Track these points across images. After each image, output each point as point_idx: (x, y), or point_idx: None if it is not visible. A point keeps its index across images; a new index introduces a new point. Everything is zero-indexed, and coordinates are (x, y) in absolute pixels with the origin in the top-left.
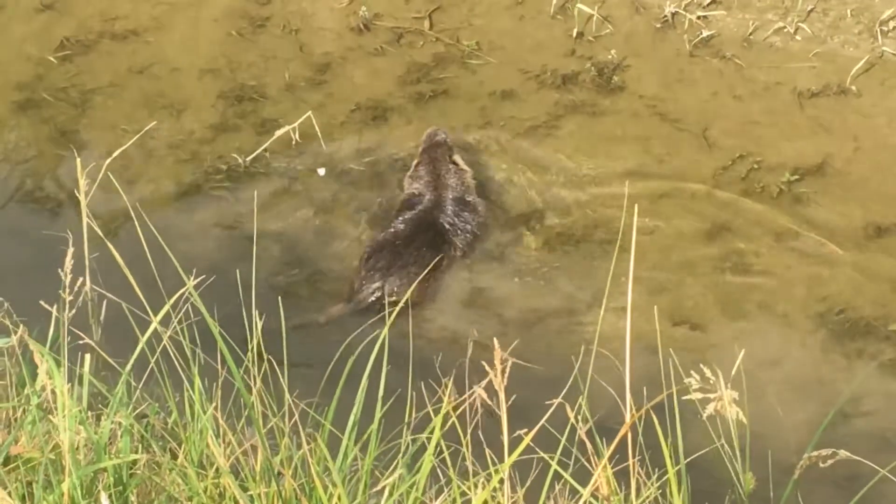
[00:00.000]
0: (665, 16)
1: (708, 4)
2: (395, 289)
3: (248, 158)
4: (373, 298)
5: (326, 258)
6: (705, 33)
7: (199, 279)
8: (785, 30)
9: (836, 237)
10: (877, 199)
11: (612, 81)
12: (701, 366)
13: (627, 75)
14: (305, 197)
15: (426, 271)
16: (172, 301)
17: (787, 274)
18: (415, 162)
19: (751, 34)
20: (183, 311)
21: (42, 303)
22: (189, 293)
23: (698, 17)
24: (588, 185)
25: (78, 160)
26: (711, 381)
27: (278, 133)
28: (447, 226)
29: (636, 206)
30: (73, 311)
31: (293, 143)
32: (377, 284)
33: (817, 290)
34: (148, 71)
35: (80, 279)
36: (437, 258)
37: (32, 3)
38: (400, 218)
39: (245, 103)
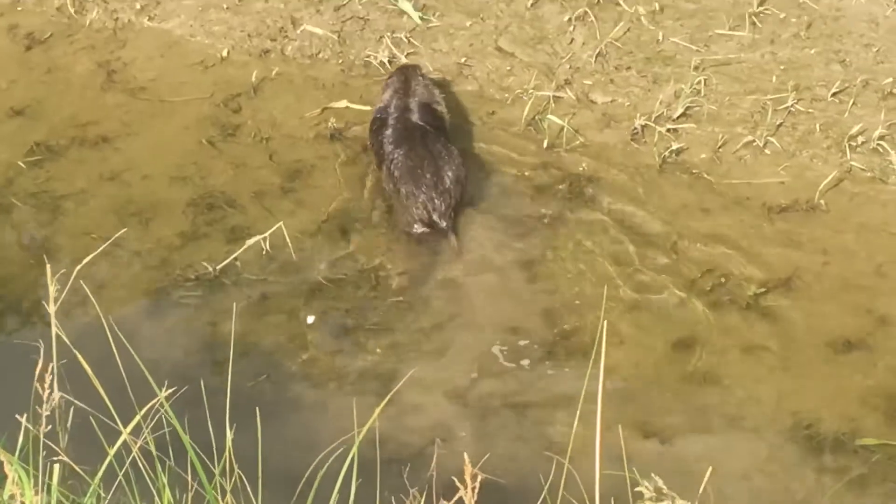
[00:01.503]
0: (635, 129)
1: (677, 118)
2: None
3: (218, 267)
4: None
5: (296, 365)
6: (675, 146)
7: (170, 390)
8: (754, 144)
9: (806, 351)
10: (845, 313)
11: (584, 193)
12: (653, 475)
13: (598, 187)
14: (275, 306)
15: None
16: (143, 412)
17: (756, 388)
18: (387, 77)
19: (720, 148)
20: (154, 420)
21: (17, 417)
22: (161, 403)
23: (668, 130)
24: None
25: (48, 266)
26: (665, 492)
27: (249, 243)
28: (422, 122)
29: (604, 319)
30: (47, 425)
31: (263, 252)
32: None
33: (786, 404)
34: (118, 177)
35: (48, 389)
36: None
37: (3, 108)
38: (385, 141)
39: (215, 211)
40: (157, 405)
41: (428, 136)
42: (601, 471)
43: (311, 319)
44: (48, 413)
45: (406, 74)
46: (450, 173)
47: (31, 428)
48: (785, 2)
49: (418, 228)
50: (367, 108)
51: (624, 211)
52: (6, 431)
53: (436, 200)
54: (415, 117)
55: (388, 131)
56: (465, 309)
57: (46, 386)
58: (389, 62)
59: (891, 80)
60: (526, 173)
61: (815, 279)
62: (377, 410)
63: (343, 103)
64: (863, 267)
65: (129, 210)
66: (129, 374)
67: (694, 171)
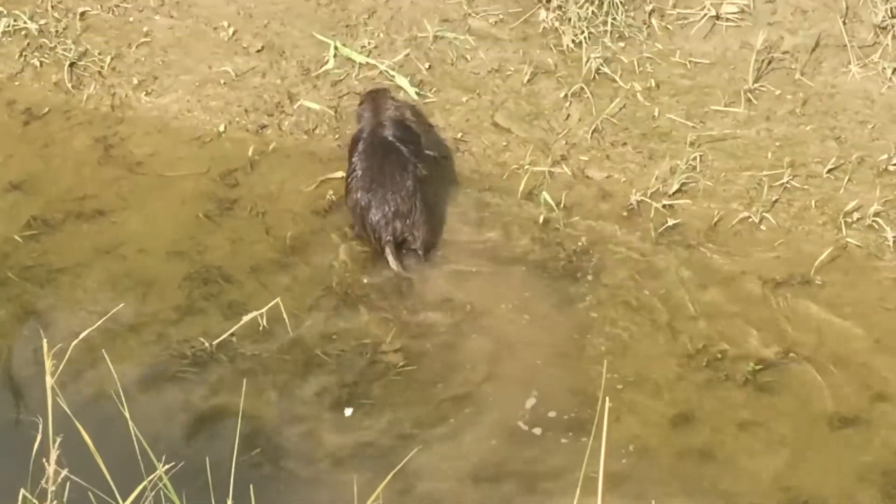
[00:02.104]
0: (631, 204)
1: (673, 193)
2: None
3: (215, 342)
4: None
5: (291, 439)
6: (671, 221)
7: (169, 465)
8: (750, 219)
9: (802, 427)
10: (842, 389)
11: (580, 268)
12: None
13: (594, 262)
14: (271, 382)
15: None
16: (140, 488)
17: (753, 463)
18: (359, 104)
19: (716, 223)
20: (152, 495)
21: (26, 493)
22: (159, 477)
23: (664, 206)
24: None
25: (44, 340)
26: None
27: (245, 318)
28: (392, 139)
29: (604, 394)
30: (49, 501)
31: (260, 327)
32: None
33: (783, 480)
34: (115, 251)
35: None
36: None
37: (0, 181)
38: (355, 153)
39: (211, 285)
40: (155, 479)
41: (391, 154)
42: None
43: (349, 412)
44: (53, 489)
45: (376, 97)
46: (396, 198)
47: (35, 501)
48: (780, 78)
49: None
50: None
51: (620, 286)
52: None
53: (376, 218)
54: (387, 133)
55: (361, 146)
56: (463, 385)
57: (52, 461)
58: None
59: (886, 156)
60: (523, 248)
61: (811, 355)
62: (380, 487)
63: (339, 174)
64: (859, 343)
65: (126, 284)
66: (126, 448)
67: (690, 246)
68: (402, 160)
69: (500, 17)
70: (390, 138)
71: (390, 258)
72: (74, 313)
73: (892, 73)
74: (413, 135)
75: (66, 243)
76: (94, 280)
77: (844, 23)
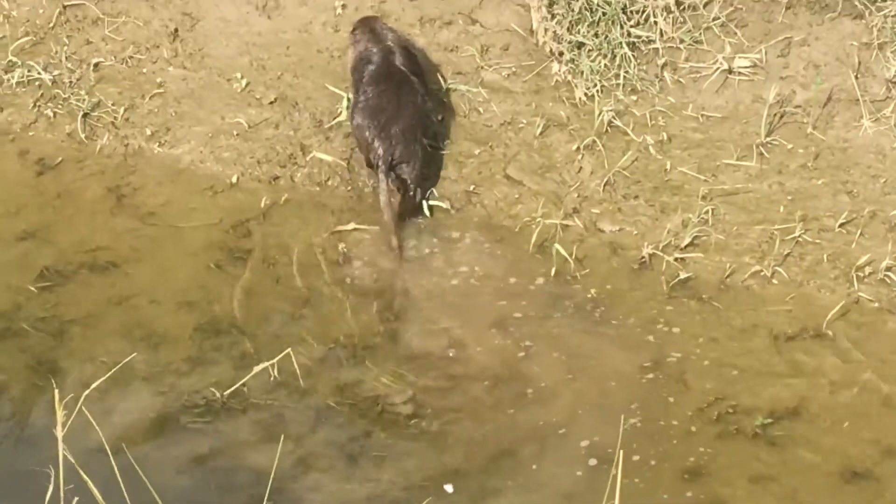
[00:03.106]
0: (643, 257)
1: (685, 247)
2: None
3: (226, 393)
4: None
5: (304, 490)
6: (683, 275)
7: None
8: (762, 273)
9: (813, 481)
10: (853, 444)
11: (591, 321)
12: None
13: (605, 315)
14: (282, 433)
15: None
16: None
17: None
18: (352, 30)
19: (728, 277)
20: None
21: None
22: None
23: (675, 259)
24: None
25: (55, 391)
26: None
27: (256, 369)
28: (404, 68)
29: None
30: None
31: (272, 378)
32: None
33: None
34: (126, 302)
35: None
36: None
37: (13, 232)
38: (366, 75)
39: (223, 336)
40: None
41: (404, 85)
42: None
43: (449, 489)
44: None
45: (370, 23)
46: (400, 124)
47: None
48: (792, 133)
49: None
50: (375, 228)
51: (631, 338)
52: None
53: (377, 144)
54: (398, 61)
55: (372, 68)
56: (473, 437)
57: None
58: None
59: None
60: (533, 300)
61: (822, 409)
62: None
63: (351, 225)
64: (870, 397)
65: (138, 335)
66: (137, 499)
67: (702, 299)
68: (413, 92)
69: (513, 69)
70: (402, 68)
71: (382, 183)
72: (86, 364)
73: None
74: (420, 66)
75: (78, 294)
76: (105, 331)
77: (857, 77)
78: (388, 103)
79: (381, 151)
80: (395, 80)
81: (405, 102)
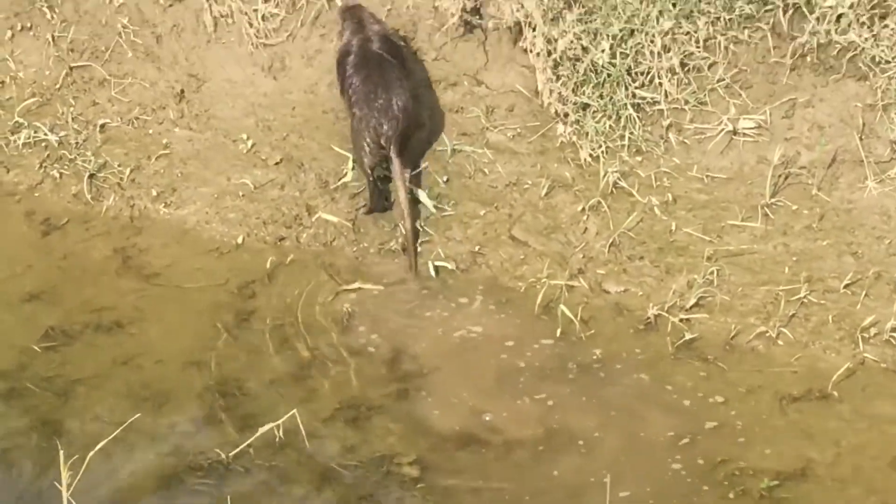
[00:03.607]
0: (648, 318)
1: (690, 307)
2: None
3: (231, 454)
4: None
5: None
6: (688, 336)
7: None
8: (767, 334)
9: None
10: None
11: (596, 382)
12: None
13: (610, 376)
14: (287, 494)
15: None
16: None
17: None
18: (339, 21)
19: (733, 338)
20: None
21: None
22: None
23: (681, 320)
24: None
25: (61, 451)
26: None
27: (262, 430)
28: (381, 51)
29: None
30: None
31: (277, 439)
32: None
33: None
34: (132, 362)
35: None
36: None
37: (19, 293)
38: (347, 67)
39: (228, 398)
40: None
41: (384, 64)
42: None
43: None
44: None
45: (356, 12)
46: (399, 101)
47: None
48: (797, 194)
49: (370, 156)
50: (381, 287)
51: (636, 400)
52: None
53: (384, 125)
54: (375, 46)
55: (351, 58)
56: (481, 499)
57: None
58: (403, 250)
59: None
60: (539, 360)
61: (828, 471)
62: None
63: (356, 285)
64: (876, 459)
65: (143, 395)
66: None
67: (707, 360)
68: (394, 72)
69: (518, 131)
70: (379, 52)
71: (396, 163)
72: (91, 424)
73: None
74: (399, 50)
75: (83, 354)
76: (111, 391)
77: (861, 138)
78: (376, 86)
79: (390, 132)
80: (374, 62)
81: (392, 80)
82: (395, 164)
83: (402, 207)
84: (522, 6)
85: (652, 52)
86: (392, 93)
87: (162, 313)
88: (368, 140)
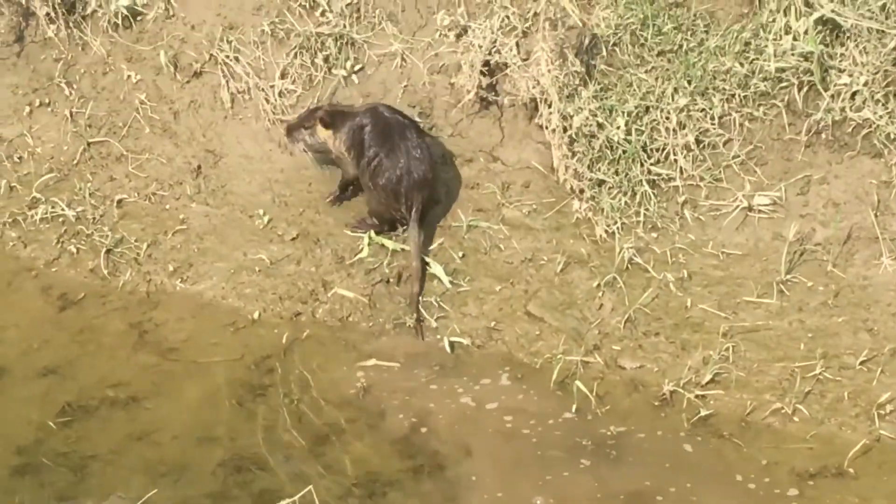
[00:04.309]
0: (664, 394)
1: (706, 384)
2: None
3: None
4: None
5: None
6: (703, 412)
7: None
8: (783, 411)
9: None
10: None
11: (610, 457)
12: None
13: (624, 452)
14: None
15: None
16: None
17: None
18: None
19: (748, 414)
20: None
21: None
22: None
23: (696, 396)
24: None
25: None
26: None
27: None
28: (399, 116)
29: None
30: None
31: None
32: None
33: None
34: (148, 438)
35: None
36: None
37: (35, 368)
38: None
39: (244, 473)
40: None
41: (406, 131)
42: None
43: None
44: None
45: (329, 110)
46: (422, 169)
47: None
48: (812, 270)
49: (382, 224)
50: (396, 363)
51: (651, 477)
52: None
53: (412, 194)
54: (388, 112)
55: (368, 129)
56: None
57: None
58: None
59: None
60: (554, 435)
61: None
62: None
63: (372, 361)
64: None
65: (159, 470)
66: None
67: (722, 437)
68: (416, 134)
69: (534, 207)
70: (396, 116)
71: (415, 229)
72: (107, 500)
73: None
74: (409, 115)
75: (99, 429)
76: (127, 466)
77: (876, 215)
78: (398, 151)
79: (413, 202)
80: (395, 129)
81: (414, 146)
82: (414, 231)
83: (413, 274)
84: (538, 83)
85: (667, 129)
86: (415, 162)
87: (178, 388)
88: (379, 212)
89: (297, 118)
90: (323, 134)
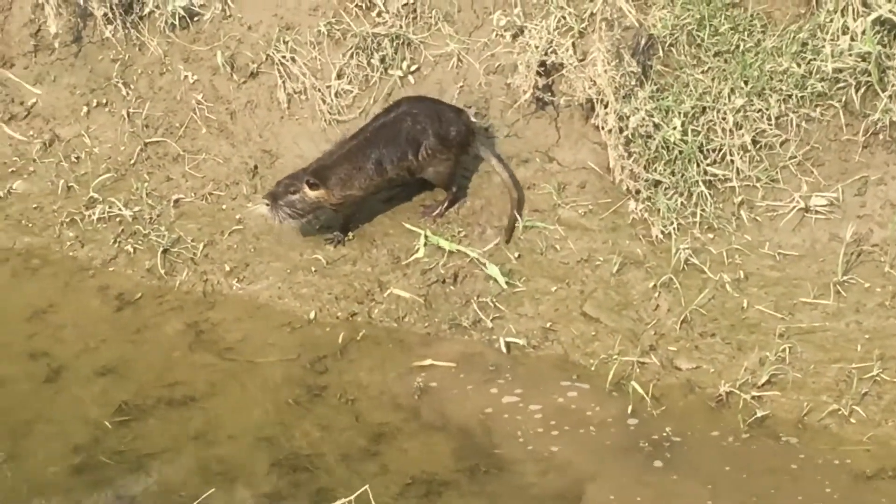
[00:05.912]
0: (720, 395)
1: (762, 385)
2: None
3: None
4: None
5: None
6: (759, 413)
7: None
8: (839, 412)
9: None
10: None
11: (666, 458)
12: None
13: (681, 453)
14: None
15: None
16: None
17: None
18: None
19: (805, 416)
20: None
21: None
22: None
23: (753, 398)
24: None
25: None
26: None
27: None
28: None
29: None
30: None
31: None
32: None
33: None
34: (203, 437)
35: None
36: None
37: (93, 367)
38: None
39: (300, 472)
40: None
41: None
42: None
43: None
44: None
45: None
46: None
47: None
48: (869, 271)
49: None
50: (452, 363)
51: (707, 477)
52: None
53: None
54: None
55: (376, 124)
56: None
57: None
58: (474, 325)
59: None
60: (610, 436)
61: None
62: None
63: (428, 361)
64: None
65: (215, 470)
66: None
67: (779, 438)
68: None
69: (590, 207)
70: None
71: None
72: (164, 499)
73: None
74: None
75: (156, 429)
76: (183, 466)
77: None
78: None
79: (473, 132)
80: (402, 122)
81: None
82: (487, 149)
83: (505, 181)
84: (595, 83)
85: (724, 130)
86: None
87: (234, 388)
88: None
89: (277, 187)
90: (314, 194)
